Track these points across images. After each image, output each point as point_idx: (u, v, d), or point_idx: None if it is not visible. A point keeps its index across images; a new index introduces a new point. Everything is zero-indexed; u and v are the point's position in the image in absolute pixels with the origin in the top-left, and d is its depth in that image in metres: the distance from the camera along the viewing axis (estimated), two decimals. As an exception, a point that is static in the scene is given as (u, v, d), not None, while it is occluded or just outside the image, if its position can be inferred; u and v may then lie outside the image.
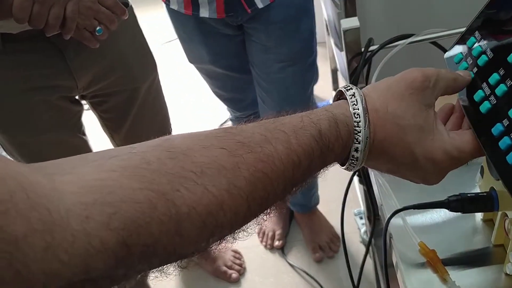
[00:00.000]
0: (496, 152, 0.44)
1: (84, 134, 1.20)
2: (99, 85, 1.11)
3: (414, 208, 0.62)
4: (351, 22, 0.79)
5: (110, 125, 1.23)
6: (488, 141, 0.46)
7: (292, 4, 1.14)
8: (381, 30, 0.98)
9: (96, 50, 0.94)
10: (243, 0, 1.08)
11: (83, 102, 1.17)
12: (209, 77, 1.36)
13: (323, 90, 2.16)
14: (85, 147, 1.20)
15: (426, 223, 0.67)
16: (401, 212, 0.63)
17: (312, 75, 1.34)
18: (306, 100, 1.37)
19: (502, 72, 0.48)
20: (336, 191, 1.77)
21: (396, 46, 0.80)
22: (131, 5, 1.10)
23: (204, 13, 1.12)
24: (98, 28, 0.90)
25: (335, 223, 1.70)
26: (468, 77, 0.51)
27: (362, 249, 1.55)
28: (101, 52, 1.00)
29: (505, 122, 0.45)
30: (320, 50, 1.31)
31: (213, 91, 1.43)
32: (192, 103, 2.52)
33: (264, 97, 1.35)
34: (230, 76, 1.33)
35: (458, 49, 0.56)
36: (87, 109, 1.20)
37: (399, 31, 0.84)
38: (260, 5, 1.09)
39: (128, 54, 1.12)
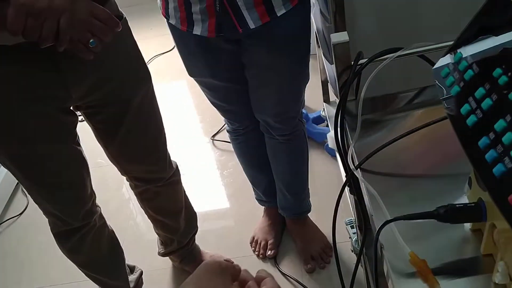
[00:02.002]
0: (483, 164, 0.46)
1: (78, 144, 1.21)
2: (94, 96, 1.12)
3: (404, 219, 0.63)
4: (341, 37, 0.81)
5: (104, 136, 1.24)
6: (475, 154, 0.47)
7: (292, 23, 1.15)
8: (370, 43, 1.00)
9: (90, 62, 0.95)
10: (235, 20, 1.09)
11: (78, 112, 1.18)
12: (210, 89, 1.37)
13: (314, 101, 2.17)
14: (79, 157, 1.21)
15: (416, 233, 0.68)
16: (392, 223, 0.64)
17: (306, 81, 1.36)
18: (300, 104, 1.41)
19: (487, 86, 0.49)
20: (327, 201, 1.79)
21: (385, 59, 0.82)
22: (125, 17, 1.11)
23: (197, 30, 1.13)
24: (91, 40, 0.91)
25: (327, 232, 1.71)
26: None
27: (354, 257, 1.56)
28: (95, 63, 1.01)
29: (491, 135, 0.46)
30: (310, 61, 1.33)
31: (212, 103, 1.44)
32: (187, 113, 2.53)
33: (259, 103, 1.36)
34: (231, 88, 1.35)
35: (445, 63, 0.57)
36: (82, 120, 1.21)
37: (388, 44, 0.86)
38: (252, 25, 1.10)
39: (122, 65, 1.13)
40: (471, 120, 0.49)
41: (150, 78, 1.22)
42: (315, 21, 1.36)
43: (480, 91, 0.49)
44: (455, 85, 0.54)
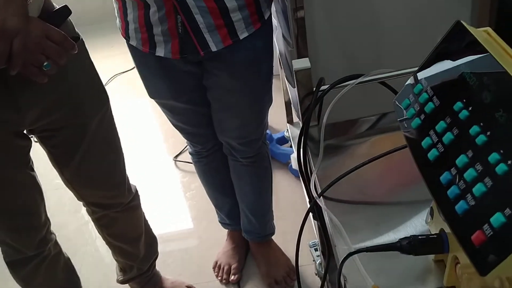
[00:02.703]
0: (445, 201, 0.45)
1: (32, 169, 1.16)
2: (48, 120, 1.08)
3: (366, 251, 0.62)
4: (303, 63, 0.80)
5: (59, 160, 1.19)
6: (437, 190, 0.46)
7: (255, 46, 1.14)
8: (333, 68, 1.00)
9: (44, 84, 0.91)
10: (196, 43, 1.07)
11: (31, 136, 1.13)
12: (171, 112, 1.34)
13: (278, 122, 2.17)
14: (33, 184, 1.16)
15: (379, 264, 0.67)
16: (355, 255, 0.63)
17: (269, 104, 1.36)
18: (263, 127, 1.39)
19: (448, 120, 0.49)
20: (292, 223, 1.78)
21: (346, 85, 0.81)
22: (81, 39, 1.08)
23: (160, 52, 1.11)
24: (45, 63, 0.87)
25: (291, 254, 1.69)
26: None
27: (318, 281, 1.55)
28: (50, 86, 0.97)
29: (453, 171, 0.45)
30: (274, 82, 1.32)
31: (174, 126, 1.41)
32: (149, 133, 2.49)
33: (222, 125, 1.35)
34: (193, 110, 1.32)
35: (406, 94, 0.57)
36: (35, 141, 1.16)
37: (350, 70, 0.86)
38: (213, 48, 1.09)
39: (78, 88, 1.09)
40: (432, 154, 0.48)
41: (108, 100, 1.19)
42: (278, 44, 1.36)
43: (441, 125, 0.49)
44: (416, 118, 0.53)
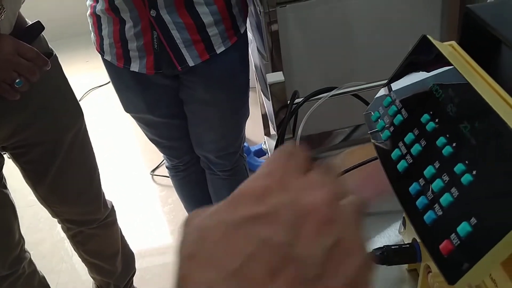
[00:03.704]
0: (414, 211, 0.46)
1: (4, 187, 1.14)
2: (21, 136, 1.07)
3: (341, 262, 0.62)
4: (277, 76, 0.81)
5: (33, 177, 1.18)
6: (407, 200, 0.47)
7: (231, 59, 1.15)
8: (307, 81, 1.01)
9: (17, 101, 0.91)
10: (174, 58, 1.08)
11: (3, 152, 1.11)
12: (147, 125, 1.34)
13: (255, 134, 2.18)
14: (5, 201, 1.14)
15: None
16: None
17: (246, 116, 1.36)
18: (240, 139, 1.40)
19: (416, 132, 0.50)
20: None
21: (320, 98, 0.83)
22: (55, 54, 1.07)
23: (134, 67, 1.11)
24: (17, 80, 0.87)
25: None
26: None
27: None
28: (23, 102, 0.96)
29: (421, 181, 0.46)
30: (250, 95, 1.33)
31: (150, 140, 1.40)
32: (125, 147, 2.47)
33: (199, 139, 1.35)
34: (170, 124, 1.32)
35: (376, 107, 0.58)
36: (9, 158, 1.14)
37: (324, 83, 0.87)
38: (191, 63, 1.09)
39: (51, 104, 1.09)
40: (401, 165, 0.49)
41: (82, 115, 1.18)
42: (253, 57, 1.37)
43: (409, 137, 0.50)
44: (386, 130, 0.54)
